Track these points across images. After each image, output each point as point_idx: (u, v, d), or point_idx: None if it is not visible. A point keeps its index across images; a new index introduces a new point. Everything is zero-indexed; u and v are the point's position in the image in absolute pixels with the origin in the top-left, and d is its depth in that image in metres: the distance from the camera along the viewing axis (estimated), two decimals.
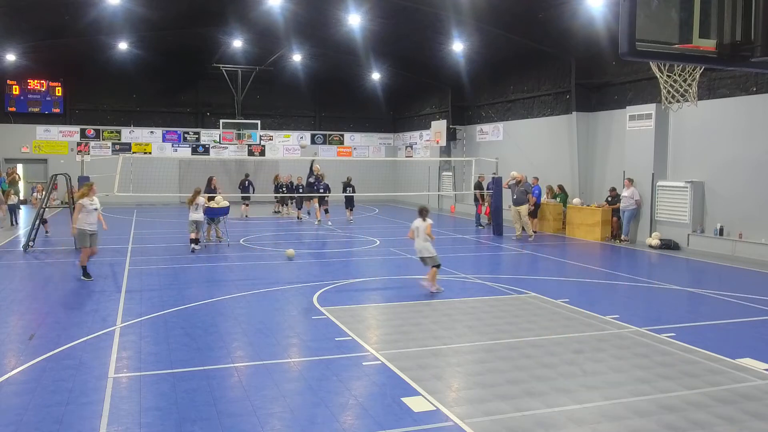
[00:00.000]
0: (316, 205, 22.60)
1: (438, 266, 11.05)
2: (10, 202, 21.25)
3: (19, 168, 29.37)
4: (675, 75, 9.73)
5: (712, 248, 16.07)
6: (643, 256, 16.21)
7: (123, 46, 27.11)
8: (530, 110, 24.23)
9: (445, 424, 5.53)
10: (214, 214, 17.01)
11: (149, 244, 17.07)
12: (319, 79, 32.57)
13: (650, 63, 8.85)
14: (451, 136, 28.66)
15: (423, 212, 11.21)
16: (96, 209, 12.06)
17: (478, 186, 22.39)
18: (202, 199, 15.78)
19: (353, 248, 16.76)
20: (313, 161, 22.80)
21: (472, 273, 13.03)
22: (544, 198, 21.10)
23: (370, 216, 26.47)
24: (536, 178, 20.81)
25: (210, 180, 20.26)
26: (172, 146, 32.29)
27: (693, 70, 9.61)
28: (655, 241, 17.20)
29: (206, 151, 32.65)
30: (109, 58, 28.36)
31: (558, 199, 20.93)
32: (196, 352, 7.57)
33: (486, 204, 21.78)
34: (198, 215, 15.64)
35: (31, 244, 15.55)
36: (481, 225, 22.03)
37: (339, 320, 9.00)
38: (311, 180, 22.27)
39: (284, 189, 24.74)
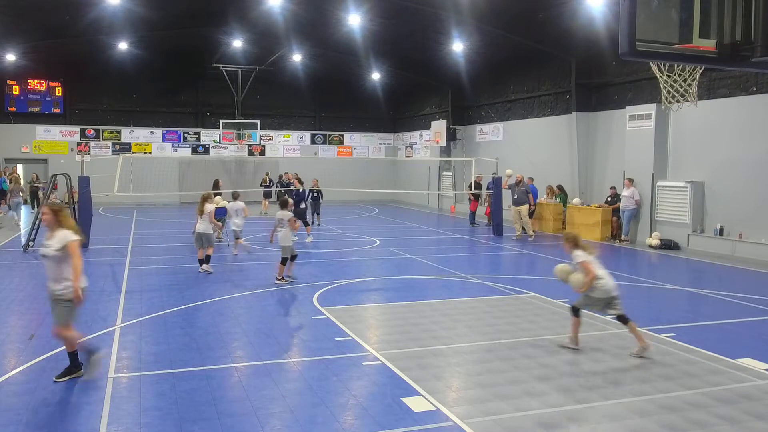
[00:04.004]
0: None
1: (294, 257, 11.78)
2: (14, 199, 21.32)
3: (19, 168, 29.35)
4: (675, 75, 9.74)
5: (712, 248, 16.06)
6: (643, 256, 16.20)
7: (123, 46, 27.08)
8: (530, 110, 24.22)
9: (445, 424, 5.53)
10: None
11: (149, 244, 17.07)
12: (319, 79, 32.55)
13: (650, 63, 8.85)
14: (451, 136, 28.65)
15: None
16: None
17: (477, 186, 22.41)
18: (210, 207, 13.06)
19: (353, 248, 16.75)
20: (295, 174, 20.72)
21: (472, 273, 13.03)
22: (544, 198, 21.05)
23: (370, 216, 26.46)
24: (531, 178, 20.52)
25: (216, 182, 19.77)
26: (172, 146, 32.26)
27: (693, 70, 9.62)
28: (655, 241, 17.20)
29: (206, 151, 32.63)
30: (109, 58, 28.35)
31: (558, 199, 20.92)
32: (196, 352, 7.57)
33: (486, 203, 21.79)
34: (204, 226, 12.82)
35: (31, 244, 15.54)
36: (473, 224, 22.08)
37: (339, 320, 9.00)
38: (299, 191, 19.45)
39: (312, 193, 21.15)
